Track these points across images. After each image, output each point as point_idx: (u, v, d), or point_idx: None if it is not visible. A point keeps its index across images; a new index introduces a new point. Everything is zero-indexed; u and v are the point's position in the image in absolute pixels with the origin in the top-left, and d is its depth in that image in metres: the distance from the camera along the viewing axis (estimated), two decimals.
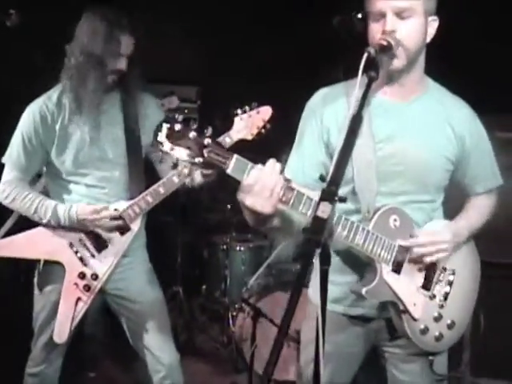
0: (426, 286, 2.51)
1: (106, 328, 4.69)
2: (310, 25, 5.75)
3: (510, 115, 4.00)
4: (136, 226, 3.30)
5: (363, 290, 2.36)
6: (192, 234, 5.96)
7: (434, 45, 2.49)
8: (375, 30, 2.37)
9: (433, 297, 2.53)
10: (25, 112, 3.28)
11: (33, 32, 4.58)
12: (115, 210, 3.24)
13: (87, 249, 3.25)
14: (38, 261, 3.29)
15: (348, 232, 2.29)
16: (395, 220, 2.43)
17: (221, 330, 5.36)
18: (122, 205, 3.27)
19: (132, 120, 3.36)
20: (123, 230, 3.26)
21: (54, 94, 3.30)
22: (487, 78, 4.40)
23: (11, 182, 3.26)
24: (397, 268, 2.41)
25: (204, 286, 5.75)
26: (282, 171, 2.12)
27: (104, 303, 3.47)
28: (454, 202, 2.71)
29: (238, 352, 4.82)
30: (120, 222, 3.21)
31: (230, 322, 4.98)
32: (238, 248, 5.44)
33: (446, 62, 2.58)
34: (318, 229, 1.86)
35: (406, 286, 2.44)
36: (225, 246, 5.45)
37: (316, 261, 2.71)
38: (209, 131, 2.07)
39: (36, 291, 3.35)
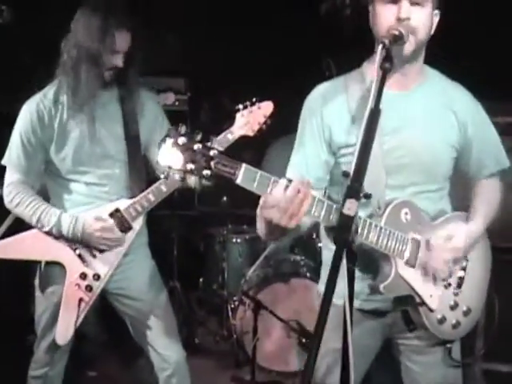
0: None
1: (105, 327, 4.66)
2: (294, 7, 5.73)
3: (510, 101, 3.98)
4: (138, 224, 3.24)
5: (381, 286, 2.34)
6: (187, 227, 5.92)
7: (435, 30, 2.44)
8: (386, 16, 2.31)
9: (448, 285, 2.51)
10: (21, 111, 3.21)
11: (25, 29, 4.53)
12: (116, 209, 3.19)
13: (88, 249, 3.19)
14: (39, 262, 3.22)
15: (361, 230, 2.25)
16: (406, 213, 2.40)
17: (220, 324, 5.33)
18: (124, 203, 3.21)
19: (131, 116, 3.29)
20: (125, 229, 3.20)
21: (50, 90, 3.22)
22: (488, 63, 4.38)
23: (15, 186, 3.20)
24: (411, 261, 2.38)
25: (201, 280, 5.71)
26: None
27: (103, 302, 3.41)
28: (458, 187, 2.69)
29: (239, 345, 4.79)
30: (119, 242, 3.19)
31: (230, 314, 4.96)
32: (234, 240, 5.40)
33: (446, 47, 2.54)
34: (346, 227, 1.83)
35: (421, 278, 2.41)
36: (221, 239, 5.41)
37: (325, 254, 2.70)
38: (213, 142, 2.03)
39: (37, 293, 3.30)
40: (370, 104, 2.03)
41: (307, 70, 5.69)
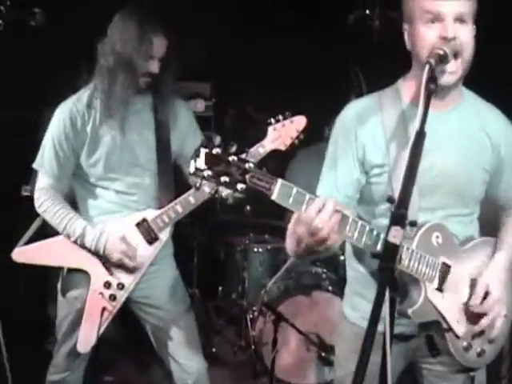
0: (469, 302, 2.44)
1: (122, 331, 4.65)
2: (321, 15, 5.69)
3: None
4: (164, 235, 3.23)
5: (409, 311, 2.29)
6: (208, 235, 5.90)
7: None
8: (429, 36, 2.25)
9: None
10: (54, 115, 3.20)
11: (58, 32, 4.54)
12: (143, 219, 3.17)
13: None
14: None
15: None
16: (437, 237, 2.36)
17: (238, 334, 5.28)
18: (151, 213, 3.20)
19: (163, 125, 3.27)
20: (152, 240, 3.18)
21: (84, 94, 3.21)
22: None
23: (46, 191, 3.19)
24: (440, 286, 2.34)
25: (221, 288, 5.67)
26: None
27: (122, 307, 3.40)
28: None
29: (257, 356, 4.75)
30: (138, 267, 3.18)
31: (249, 325, 4.93)
32: (255, 249, 5.36)
33: (478, 66, 2.49)
34: (391, 255, 1.79)
35: (450, 304, 2.37)
36: (242, 248, 5.37)
37: (350, 273, 2.66)
38: (248, 154, 2.00)
39: (59, 297, 3.30)
40: (416, 127, 1.99)
41: (335, 79, 5.69)
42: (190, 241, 5.52)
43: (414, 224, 1.92)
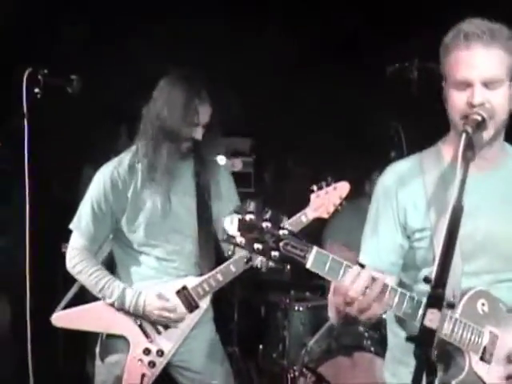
0: None
1: None
2: (360, 69, 5.69)
3: None
4: (205, 303, 3.20)
5: (452, 383, 2.20)
6: (249, 293, 5.86)
7: None
8: (458, 100, 2.22)
9: None
10: (95, 177, 3.22)
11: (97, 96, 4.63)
12: (183, 286, 3.14)
13: (153, 324, 3.15)
14: None
15: None
16: (483, 304, 2.27)
17: None
18: (191, 281, 3.18)
19: (204, 190, 3.28)
20: (192, 308, 3.15)
21: (125, 158, 3.22)
22: None
23: (80, 252, 3.19)
24: (486, 356, 2.25)
25: (261, 347, 5.58)
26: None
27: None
28: None
29: None
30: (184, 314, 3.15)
31: None
32: (296, 308, 5.25)
33: None
34: (427, 340, 1.73)
35: (497, 376, 2.26)
36: (283, 306, 5.28)
37: (390, 339, 2.59)
38: (283, 221, 1.97)
39: (98, 361, 3.28)
40: (453, 201, 1.94)
41: (375, 133, 5.67)
42: (231, 298, 5.48)
43: (451, 305, 1.85)
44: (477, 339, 2.22)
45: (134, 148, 3.25)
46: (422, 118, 5.42)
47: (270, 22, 5.68)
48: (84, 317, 3.22)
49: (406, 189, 2.38)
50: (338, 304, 2.05)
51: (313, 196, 3.17)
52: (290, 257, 1.94)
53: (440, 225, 2.26)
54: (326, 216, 3.18)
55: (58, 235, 4.71)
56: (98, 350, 3.27)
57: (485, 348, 2.24)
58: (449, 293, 2.23)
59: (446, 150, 2.41)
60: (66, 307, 3.28)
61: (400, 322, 2.48)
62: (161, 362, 3.15)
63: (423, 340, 1.75)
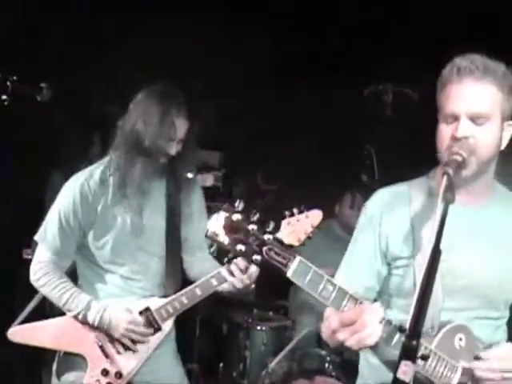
0: None
1: None
2: (334, 88, 5.68)
3: None
4: (168, 326, 3.11)
5: None
6: (212, 310, 5.77)
7: None
8: (445, 133, 2.21)
9: None
10: (63, 188, 3.11)
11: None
12: (146, 308, 3.05)
13: (114, 345, 3.05)
14: None
15: None
16: (460, 339, 2.24)
17: None
18: (156, 302, 3.08)
19: (175, 210, 3.19)
20: (154, 329, 3.06)
21: (96, 170, 3.12)
22: None
23: (45, 265, 3.08)
24: None
25: (221, 365, 5.49)
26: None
27: None
28: None
29: None
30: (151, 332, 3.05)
31: None
32: (259, 327, 5.21)
33: None
34: None
35: None
36: (245, 325, 5.23)
37: (362, 365, 2.53)
38: (271, 226, 1.94)
39: (54, 379, 3.16)
40: (432, 245, 1.89)
41: (347, 155, 5.66)
42: (193, 314, 5.39)
43: (425, 358, 1.80)
44: (449, 374, 2.19)
45: (106, 160, 3.15)
46: (394, 141, 5.43)
47: (245, 37, 5.64)
48: (42, 333, 3.09)
49: (392, 216, 2.36)
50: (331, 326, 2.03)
51: (284, 222, 3.09)
52: (270, 263, 1.92)
53: (420, 256, 2.24)
54: (296, 244, 3.08)
55: (18, 241, 4.64)
56: (54, 367, 3.15)
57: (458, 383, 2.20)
58: (427, 324, 2.21)
59: (434, 182, 2.38)
60: (24, 322, 3.18)
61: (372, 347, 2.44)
62: None
63: None
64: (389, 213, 2.36)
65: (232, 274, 2.87)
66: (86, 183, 3.07)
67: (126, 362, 3.05)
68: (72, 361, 3.08)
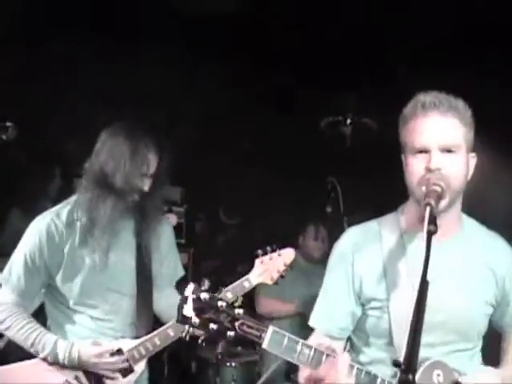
0: None
1: None
2: (294, 121, 5.71)
3: None
4: (140, 368, 3.05)
5: None
6: (179, 347, 5.69)
7: None
8: (416, 166, 2.23)
9: None
10: (29, 228, 3.04)
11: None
12: (118, 349, 2.99)
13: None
14: None
15: None
16: (438, 375, 2.25)
17: None
18: (127, 343, 3.03)
19: (145, 249, 3.13)
20: (126, 372, 3.00)
21: (63, 210, 3.06)
22: None
23: (8, 307, 3.00)
24: None
25: None
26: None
27: None
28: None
29: None
30: (125, 366, 2.97)
31: None
32: (228, 363, 5.17)
33: None
34: None
35: None
36: (214, 361, 5.15)
37: None
38: (238, 300, 1.98)
39: None
40: (420, 278, 1.89)
41: (309, 187, 5.67)
42: (160, 353, 5.29)
43: None
44: None
45: (73, 199, 3.10)
46: (355, 172, 5.47)
47: (205, 72, 5.65)
48: (10, 375, 3.00)
49: (363, 256, 2.37)
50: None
51: (257, 261, 3.10)
52: (245, 337, 1.95)
53: (395, 296, 2.27)
54: (269, 282, 3.11)
55: None
56: None
57: None
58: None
59: (404, 218, 2.41)
60: None
61: None
62: None
63: None
64: (360, 252, 2.37)
65: None
66: (53, 223, 3.02)
67: None
68: None
